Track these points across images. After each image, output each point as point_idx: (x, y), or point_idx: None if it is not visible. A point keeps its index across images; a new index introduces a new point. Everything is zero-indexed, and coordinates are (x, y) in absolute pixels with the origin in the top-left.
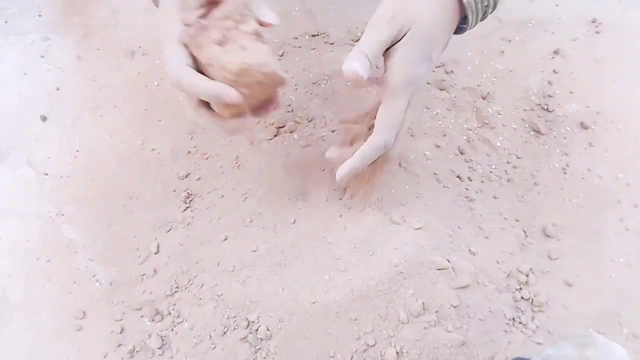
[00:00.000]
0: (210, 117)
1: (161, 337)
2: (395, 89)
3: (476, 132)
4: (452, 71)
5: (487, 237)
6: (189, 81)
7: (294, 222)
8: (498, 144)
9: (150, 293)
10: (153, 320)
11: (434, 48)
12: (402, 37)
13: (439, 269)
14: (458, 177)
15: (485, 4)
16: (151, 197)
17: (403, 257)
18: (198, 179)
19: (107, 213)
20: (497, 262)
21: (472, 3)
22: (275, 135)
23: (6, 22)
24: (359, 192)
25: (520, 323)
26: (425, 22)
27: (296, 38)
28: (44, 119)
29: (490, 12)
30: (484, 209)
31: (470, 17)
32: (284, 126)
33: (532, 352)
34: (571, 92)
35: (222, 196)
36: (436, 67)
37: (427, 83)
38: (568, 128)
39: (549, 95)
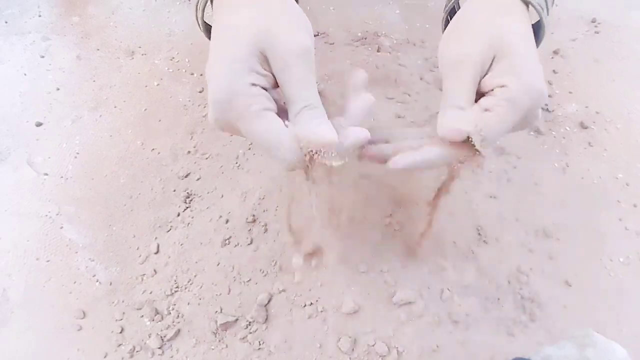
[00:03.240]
0: None
1: (161, 337)
2: (517, 101)
3: None
4: None
5: (487, 237)
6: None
7: (296, 224)
8: (498, 144)
9: (150, 293)
10: (153, 320)
11: (535, 55)
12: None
13: (439, 269)
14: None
15: None
16: (151, 197)
17: (403, 256)
18: (198, 179)
19: (107, 213)
20: (497, 262)
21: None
22: None
23: (6, 22)
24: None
25: (520, 323)
26: (516, 37)
27: None
28: (38, 124)
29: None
30: (484, 209)
31: (542, 19)
32: None
33: (532, 352)
34: (571, 92)
35: (222, 196)
36: (436, 67)
37: (428, 83)
38: (568, 128)
39: (548, 96)
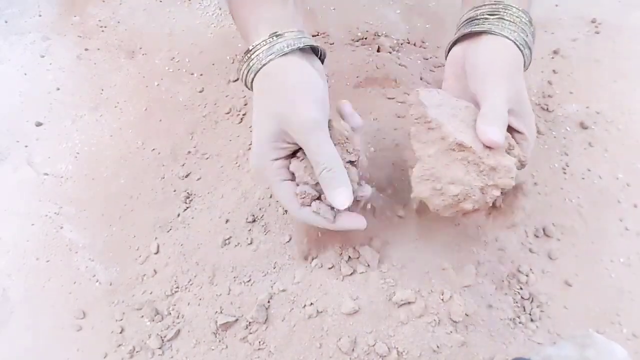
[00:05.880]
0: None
1: (161, 337)
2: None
3: None
4: None
5: (487, 237)
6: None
7: (297, 224)
8: None
9: (151, 293)
10: (153, 320)
11: None
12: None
13: (439, 269)
14: None
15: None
16: (151, 197)
17: (403, 256)
18: (198, 179)
19: (107, 213)
20: (498, 262)
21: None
22: None
23: (6, 22)
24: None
25: (520, 323)
26: (526, 96)
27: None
28: (38, 124)
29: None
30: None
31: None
32: None
33: (532, 352)
34: (571, 92)
35: (222, 196)
36: (436, 67)
37: (428, 83)
38: (568, 128)
39: (548, 96)
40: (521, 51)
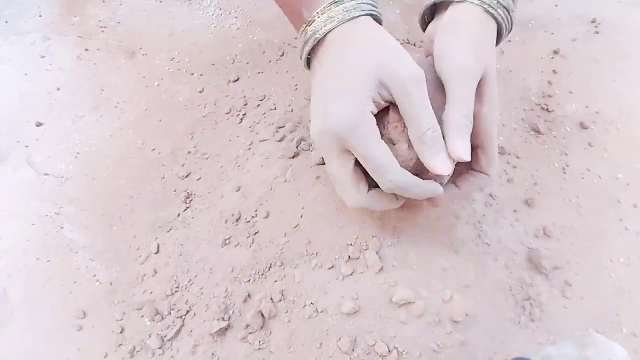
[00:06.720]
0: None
1: (161, 337)
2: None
3: None
4: None
5: (487, 237)
6: (410, 181)
7: (296, 224)
8: (498, 144)
9: (151, 293)
10: (153, 320)
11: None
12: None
13: (439, 269)
14: None
15: (510, 16)
16: (151, 197)
17: (403, 256)
18: (198, 179)
19: (107, 213)
20: (497, 262)
21: (504, 21)
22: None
23: (6, 22)
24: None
25: (520, 323)
26: (493, 77)
27: (296, 38)
28: (38, 124)
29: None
30: (484, 209)
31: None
32: (284, 126)
33: (532, 352)
34: (571, 92)
35: (222, 196)
36: None
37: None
38: (567, 128)
39: (548, 95)
40: (491, 15)
